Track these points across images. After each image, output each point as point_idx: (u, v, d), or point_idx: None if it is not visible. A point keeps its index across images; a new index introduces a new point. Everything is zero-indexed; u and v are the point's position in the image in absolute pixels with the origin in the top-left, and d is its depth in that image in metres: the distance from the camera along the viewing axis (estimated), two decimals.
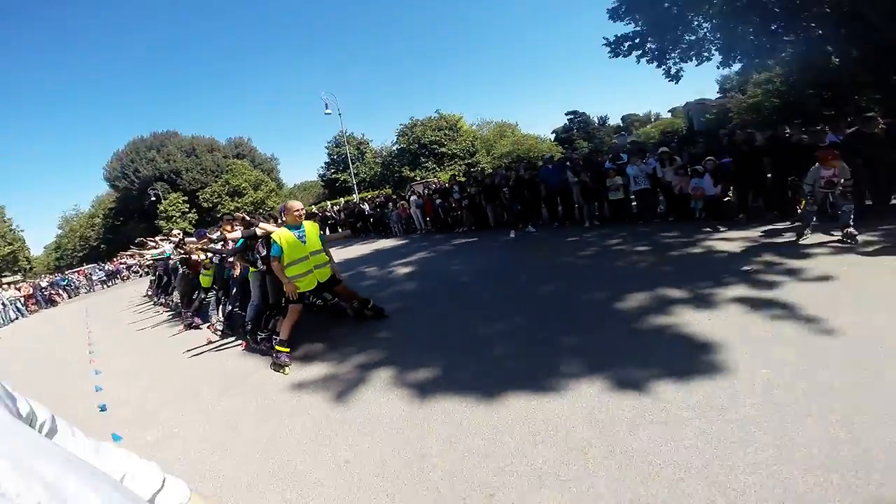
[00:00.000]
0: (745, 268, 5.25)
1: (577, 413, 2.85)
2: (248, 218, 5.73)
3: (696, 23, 16.63)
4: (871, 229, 5.89)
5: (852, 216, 5.61)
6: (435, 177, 31.93)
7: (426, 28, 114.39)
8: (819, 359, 2.98)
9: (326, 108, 24.49)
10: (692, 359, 3.27)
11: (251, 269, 5.76)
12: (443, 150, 39.45)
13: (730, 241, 6.61)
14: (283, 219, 5.04)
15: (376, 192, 32.90)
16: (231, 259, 6.48)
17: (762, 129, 9.81)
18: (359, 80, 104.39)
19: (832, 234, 5.88)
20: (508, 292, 5.88)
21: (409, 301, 6.39)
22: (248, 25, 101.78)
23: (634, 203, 9.71)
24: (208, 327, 7.14)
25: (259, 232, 5.28)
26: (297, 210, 4.90)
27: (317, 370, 4.44)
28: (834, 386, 2.65)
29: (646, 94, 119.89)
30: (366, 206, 18.71)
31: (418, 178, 32.29)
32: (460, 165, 38.58)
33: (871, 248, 5.27)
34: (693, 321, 3.91)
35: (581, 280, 5.85)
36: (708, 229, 7.57)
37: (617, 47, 17.99)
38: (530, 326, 4.46)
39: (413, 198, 15.65)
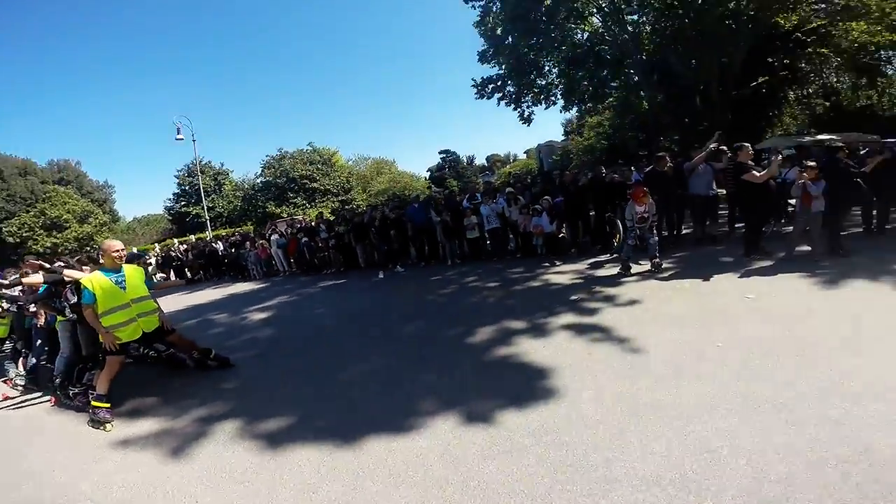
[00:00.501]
0: (573, 297, 5.98)
1: (434, 450, 2.91)
2: (45, 265, 4.88)
3: (546, 68, 18.99)
4: (667, 257, 7.31)
5: (657, 247, 6.81)
6: (304, 214, 30.53)
7: (302, 56, 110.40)
8: (629, 376, 3.51)
9: (178, 132, 22.04)
10: (531, 386, 3.59)
11: (59, 317, 5.00)
12: (314, 185, 38.03)
13: (563, 274, 7.53)
14: (102, 260, 4.39)
15: (233, 229, 30.00)
16: (33, 307, 5.53)
17: (593, 169, 11.36)
18: (220, 104, 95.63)
19: (641, 264, 7.05)
20: (373, 334, 5.89)
21: (264, 349, 5.98)
22: (80, 28, 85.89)
23: (489, 241, 10.44)
24: (5, 382, 6.05)
25: (66, 278, 4.49)
26: (116, 251, 4.32)
27: (148, 425, 4.01)
28: (641, 401, 3.11)
29: (511, 134, 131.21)
30: (219, 245, 16.96)
31: (285, 215, 30.58)
32: (333, 202, 37.53)
33: (667, 274, 6.53)
34: (531, 350, 4.33)
35: (441, 317, 6.10)
36: (547, 264, 8.45)
37: (482, 89, 19.70)
38: (392, 367, 4.50)
39: (274, 237, 14.57)
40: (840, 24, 13.54)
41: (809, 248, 6.38)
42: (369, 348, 5.26)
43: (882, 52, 15.03)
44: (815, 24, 14.21)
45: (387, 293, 8.71)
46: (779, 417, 2.70)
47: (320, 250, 12.93)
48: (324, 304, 8.55)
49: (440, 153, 64.65)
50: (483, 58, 18.87)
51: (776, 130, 22.66)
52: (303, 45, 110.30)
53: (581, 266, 7.92)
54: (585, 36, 18.02)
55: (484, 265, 9.52)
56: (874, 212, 7.42)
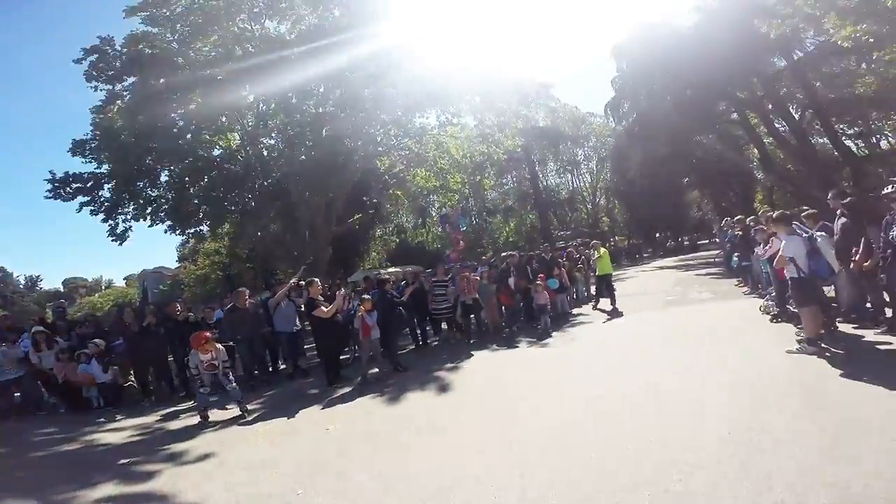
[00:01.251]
0: (126, 460, 4.84)
1: None
2: None
3: (163, 177, 15.68)
4: (259, 396, 6.83)
5: (239, 391, 6.09)
6: None
7: None
8: None
9: None
10: None
11: None
12: None
13: (121, 431, 6.10)
14: None
15: None
16: None
17: (211, 301, 9.75)
18: None
19: (228, 408, 6.23)
20: None
21: None
22: None
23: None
24: None
25: None
26: None
27: None
28: None
29: (111, 255, 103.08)
30: None
31: None
32: None
33: (252, 417, 5.92)
34: None
35: None
36: (103, 419, 6.79)
37: (61, 187, 14.37)
38: None
39: None
40: (413, 169, 17.52)
41: (378, 370, 7.26)
42: None
43: (431, 196, 20.24)
44: (397, 169, 17.59)
45: None
46: None
47: None
48: None
49: None
50: (80, 149, 14.42)
51: (365, 264, 27.41)
52: None
53: (152, 418, 6.54)
54: (218, 152, 16.73)
55: None
56: (417, 330, 9.26)
